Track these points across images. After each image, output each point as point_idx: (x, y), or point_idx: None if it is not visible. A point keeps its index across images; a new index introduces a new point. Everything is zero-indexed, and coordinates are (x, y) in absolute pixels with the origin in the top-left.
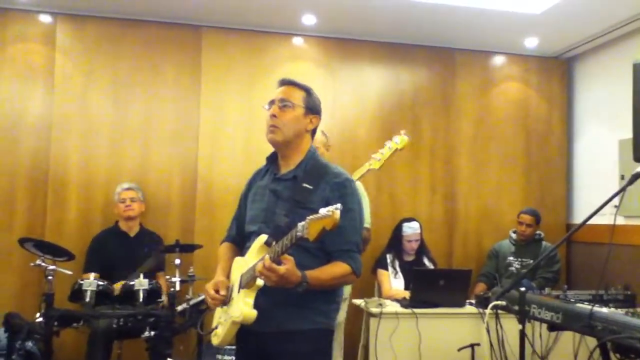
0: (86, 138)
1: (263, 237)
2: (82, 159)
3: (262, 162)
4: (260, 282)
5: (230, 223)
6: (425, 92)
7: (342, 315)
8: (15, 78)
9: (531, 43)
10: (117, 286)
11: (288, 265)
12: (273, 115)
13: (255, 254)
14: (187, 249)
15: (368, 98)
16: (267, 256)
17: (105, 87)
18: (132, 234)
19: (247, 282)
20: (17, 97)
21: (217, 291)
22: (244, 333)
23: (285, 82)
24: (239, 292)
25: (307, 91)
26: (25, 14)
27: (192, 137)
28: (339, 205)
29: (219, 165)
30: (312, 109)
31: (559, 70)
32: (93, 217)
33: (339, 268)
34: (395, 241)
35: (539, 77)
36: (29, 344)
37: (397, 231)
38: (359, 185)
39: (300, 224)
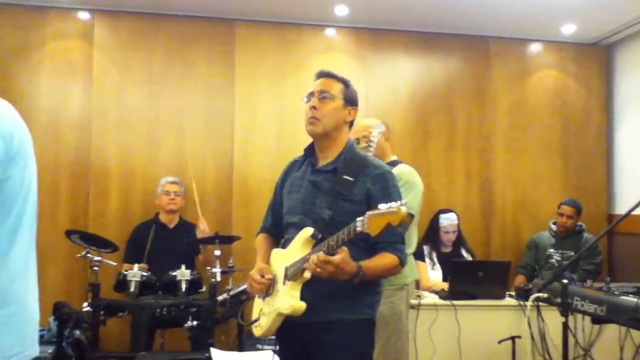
0: (124, 131)
1: (308, 230)
2: (121, 151)
3: (295, 153)
4: (307, 274)
5: (266, 213)
6: (460, 82)
7: (403, 304)
8: (56, 74)
9: (568, 30)
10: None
11: (342, 255)
12: (313, 107)
13: (300, 247)
14: (226, 240)
15: (401, 88)
16: (320, 252)
17: (140, 81)
18: (171, 226)
19: (293, 275)
20: (58, 92)
21: (262, 276)
22: (287, 324)
23: (323, 74)
24: (284, 284)
25: (345, 83)
26: (64, 11)
27: (227, 129)
28: (403, 201)
29: (253, 157)
30: (351, 100)
31: (597, 57)
32: (133, 209)
33: (387, 259)
34: (432, 233)
35: (577, 65)
36: (77, 332)
37: (434, 222)
38: (413, 173)
39: (359, 220)
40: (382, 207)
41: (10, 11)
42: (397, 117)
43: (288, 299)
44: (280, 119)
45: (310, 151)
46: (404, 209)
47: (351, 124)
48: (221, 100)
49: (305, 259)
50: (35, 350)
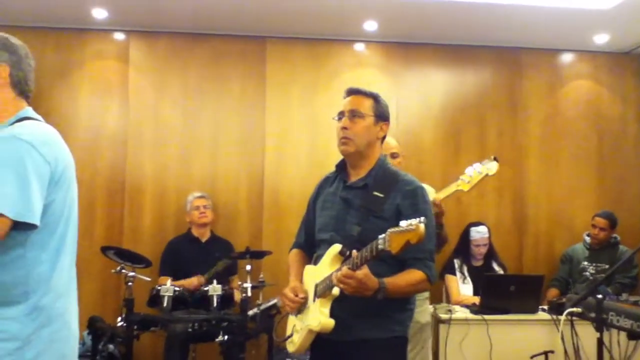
0: (159, 148)
1: (337, 247)
2: (155, 168)
3: (326, 168)
4: (336, 291)
5: (299, 229)
6: (491, 94)
7: (426, 317)
8: (94, 94)
9: (601, 39)
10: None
11: (364, 270)
12: (344, 128)
13: (329, 263)
14: (257, 255)
15: (432, 102)
16: (344, 267)
17: (175, 99)
18: (203, 240)
19: (323, 292)
20: (96, 111)
21: (295, 295)
22: (320, 341)
23: (352, 92)
24: (314, 301)
25: (375, 98)
26: (101, 33)
27: (258, 145)
28: (422, 219)
29: (284, 172)
30: (381, 116)
31: (631, 66)
32: (166, 224)
33: (414, 275)
34: (463, 246)
35: (611, 74)
36: (111, 346)
37: (465, 236)
38: (431, 190)
39: (380, 237)
40: (403, 224)
41: (53, 34)
42: (429, 130)
43: (318, 316)
44: (311, 134)
45: (342, 167)
46: (422, 227)
47: (383, 138)
48: (253, 116)
49: (331, 276)
50: None
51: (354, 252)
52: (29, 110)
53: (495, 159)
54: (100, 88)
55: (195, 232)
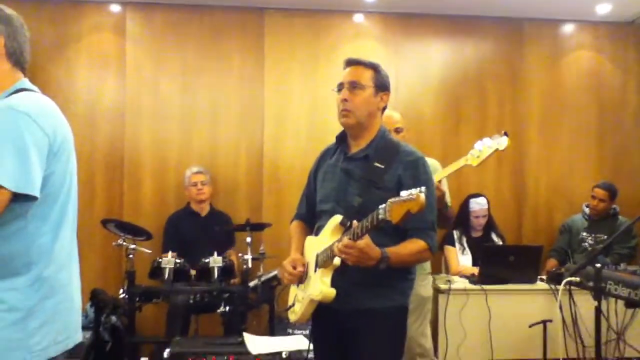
0: (157, 122)
1: (338, 218)
2: (154, 142)
3: (326, 141)
4: (337, 261)
5: (300, 201)
6: (492, 65)
7: (428, 291)
8: (91, 67)
9: (603, 9)
10: None
11: (366, 240)
12: (344, 100)
13: (330, 234)
14: (257, 227)
15: (432, 73)
16: (345, 238)
17: (173, 73)
18: (203, 214)
19: (324, 262)
20: (93, 85)
21: (294, 267)
22: (321, 310)
23: (352, 62)
24: (315, 271)
25: (375, 69)
26: (97, 5)
27: (258, 118)
28: (422, 188)
29: (284, 145)
30: (382, 86)
31: (634, 35)
32: (166, 198)
33: (416, 245)
34: (463, 217)
35: (612, 45)
36: (114, 318)
37: (464, 207)
38: (437, 164)
39: (381, 207)
40: (403, 194)
41: (49, 7)
42: (428, 102)
43: (319, 286)
44: (311, 106)
45: (342, 138)
46: (422, 196)
47: (384, 109)
48: (253, 89)
49: (332, 245)
50: (79, 335)
51: (355, 222)
52: (25, 82)
53: (505, 133)
54: (97, 61)
55: (195, 206)
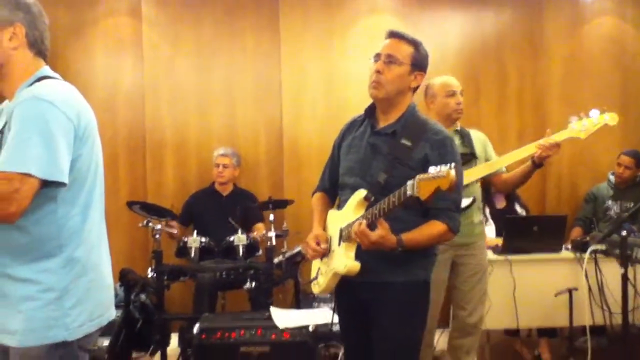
0: (176, 103)
1: (362, 192)
2: (174, 123)
3: (343, 116)
4: None
5: (323, 172)
6: (510, 35)
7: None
8: (108, 51)
9: None
10: None
11: (381, 232)
12: (378, 71)
13: (354, 209)
14: (280, 204)
15: (449, 45)
16: (363, 220)
17: (190, 53)
18: (225, 194)
19: (347, 237)
20: (112, 69)
21: (317, 244)
22: (345, 283)
23: (393, 35)
24: (339, 245)
25: (416, 46)
26: None
27: (275, 96)
28: (452, 165)
29: (302, 122)
30: (418, 65)
31: None
32: (188, 178)
33: (436, 228)
34: (485, 189)
35: (636, 9)
36: (143, 296)
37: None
38: (484, 137)
39: (409, 183)
40: (432, 170)
41: None
42: (446, 74)
43: (344, 260)
44: (327, 82)
45: (371, 111)
46: (453, 173)
47: (416, 89)
48: (269, 67)
49: (355, 222)
50: (113, 312)
51: (370, 210)
52: (46, 69)
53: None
54: (114, 45)
55: (217, 187)
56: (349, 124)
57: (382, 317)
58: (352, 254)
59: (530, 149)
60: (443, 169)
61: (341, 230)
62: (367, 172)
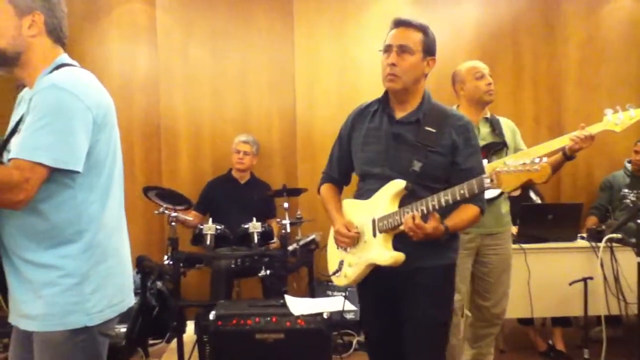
0: (190, 90)
1: (401, 183)
2: (189, 110)
3: (356, 102)
4: (403, 228)
5: (329, 163)
6: (526, 17)
7: None
8: (123, 38)
9: None
10: None
11: (434, 223)
12: (392, 64)
13: (390, 199)
14: (294, 192)
15: (464, 29)
16: (415, 213)
17: (203, 40)
18: (242, 181)
19: (389, 228)
20: (126, 56)
21: (349, 230)
22: (374, 272)
23: (401, 23)
24: (374, 236)
25: (425, 31)
26: None
27: (289, 82)
28: (545, 159)
29: (316, 109)
30: (429, 50)
31: None
32: (203, 165)
33: (471, 212)
34: None
35: None
36: (159, 283)
37: None
38: (512, 124)
39: (484, 176)
40: (513, 163)
41: None
42: (461, 59)
43: (386, 251)
44: (341, 68)
45: (385, 101)
46: (549, 169)
47: (426, 75)
48: (282, 53)
49: (400, 213)
50: (132, 299)
51: (424, 202)
52: (65, 57)
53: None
54: (128, 32)
55: (235, 174)
56: (356, 113)
57: (415, 301)
58: (390, 244)
59: (563, 141)
60: (536, 161)
61: (376, 221)
62: (395, 162)
